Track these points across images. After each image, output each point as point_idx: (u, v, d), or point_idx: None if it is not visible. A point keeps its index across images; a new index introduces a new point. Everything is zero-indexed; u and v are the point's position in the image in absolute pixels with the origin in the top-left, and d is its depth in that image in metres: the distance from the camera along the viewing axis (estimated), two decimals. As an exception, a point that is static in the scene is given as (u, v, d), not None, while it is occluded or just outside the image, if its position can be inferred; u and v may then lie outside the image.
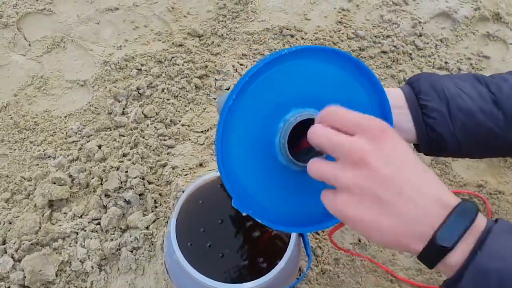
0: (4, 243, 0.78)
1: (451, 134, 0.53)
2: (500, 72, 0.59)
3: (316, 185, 0.44)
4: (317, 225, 0.49)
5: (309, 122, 0.44)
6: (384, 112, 0.48)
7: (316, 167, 0.38)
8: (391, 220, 0.35)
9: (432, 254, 0.35)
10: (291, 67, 0.44)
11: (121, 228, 0.80)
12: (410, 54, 1.13)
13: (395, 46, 1.13)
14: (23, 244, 0.76)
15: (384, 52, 1.13)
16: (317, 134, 0.38)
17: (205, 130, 0.96)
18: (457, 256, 0.35)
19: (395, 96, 0.55)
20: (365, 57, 1.12)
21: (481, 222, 0.36)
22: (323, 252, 0.80)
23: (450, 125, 0.53)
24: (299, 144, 0.49)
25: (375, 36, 1.16)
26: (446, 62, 1.12)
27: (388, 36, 1.16)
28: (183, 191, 0.79)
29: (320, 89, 0.46)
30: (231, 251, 0.64)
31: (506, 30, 1.20)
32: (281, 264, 0.61)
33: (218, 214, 0.67)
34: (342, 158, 0.36)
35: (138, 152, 0.89)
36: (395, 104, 0.50)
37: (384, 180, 0.35)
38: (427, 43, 1.15)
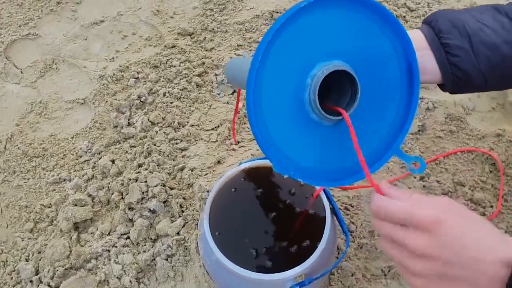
0: (37, 273, 0.77)
1: (476, 70, 0.53)
2: None
3: (349, 139, 0.45)
4: (349, 179, 0.50)
5: (336, 73, 0.44)
6: (408, 56, 0.48)
7: (387, 250, 0.44)
8: None
9: None
10: (308, 21, 0.44)
11: (151, 238, 0.79)
12: (404, 17, 1.11)
13: (387, 11, 1.12)
14: (57, 270, 0.75)
15: (378, 19, 1.11)
16: (381, 230, 0.43)
17: (215, 127, 0.95)
18: None
19: (416, 38, 0.54)
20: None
21: None
22: (356, 227, 0.79)
23: (474, 61, 0.52)
24: (329, 97, 0.49)
25: (366, 5, 1.15)
26: (441, 19, 1.10)
27: (378, 3, 1.15)
28: (208, 191, 0.78)
29: (341, 38, 0.45)
30: (268, 241, 0.63)
31: (494, -23, 1.19)
32: (321, 245, 0.60)
33: (249, 207, 0.66)
34: (406, 252, 0.41)
35: (153, 160, 0.88)
36: (417, 47, 0.49)
37: (446, 263, 0.38)
38: (419, 3, 1.14)
